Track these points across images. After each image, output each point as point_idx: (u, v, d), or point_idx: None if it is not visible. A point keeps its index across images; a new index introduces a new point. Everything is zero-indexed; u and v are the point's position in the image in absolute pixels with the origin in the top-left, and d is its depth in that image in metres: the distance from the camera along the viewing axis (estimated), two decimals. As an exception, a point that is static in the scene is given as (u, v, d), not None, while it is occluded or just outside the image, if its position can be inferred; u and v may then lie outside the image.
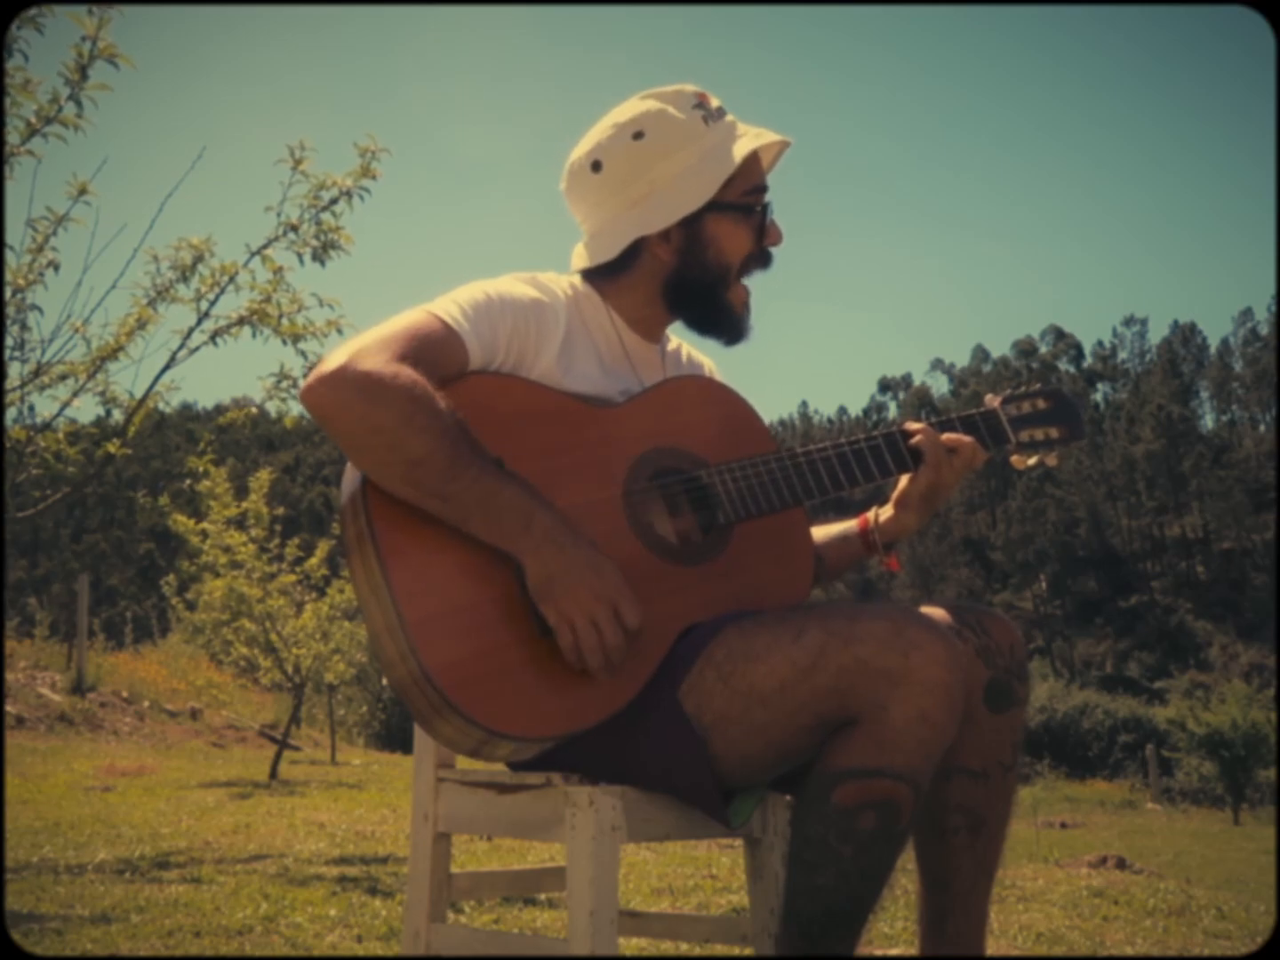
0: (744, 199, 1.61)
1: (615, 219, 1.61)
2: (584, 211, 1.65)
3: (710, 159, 1.58)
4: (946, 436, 1.65)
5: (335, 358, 1.38)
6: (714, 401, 1.65)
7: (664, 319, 1.68)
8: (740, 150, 1.58)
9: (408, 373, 1.37)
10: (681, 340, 1.80)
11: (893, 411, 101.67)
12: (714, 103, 1.63)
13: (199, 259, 4.24)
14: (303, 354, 4.39)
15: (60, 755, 8.73)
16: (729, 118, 1.63)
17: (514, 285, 1.56)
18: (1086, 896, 3.71)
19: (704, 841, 4.76)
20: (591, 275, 1.66)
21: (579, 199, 1.65)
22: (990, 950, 2.39)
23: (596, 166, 1.60)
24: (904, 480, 1.68)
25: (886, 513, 1.72)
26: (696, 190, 1.58)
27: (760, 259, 1.64)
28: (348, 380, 1.35)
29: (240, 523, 8.77)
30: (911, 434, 1.65)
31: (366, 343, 1.40)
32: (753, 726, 1.39)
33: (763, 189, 1.63)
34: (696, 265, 1.61)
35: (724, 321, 1.65)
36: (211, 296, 4.26)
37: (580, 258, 1.66)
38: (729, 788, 1.48)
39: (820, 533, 1.77)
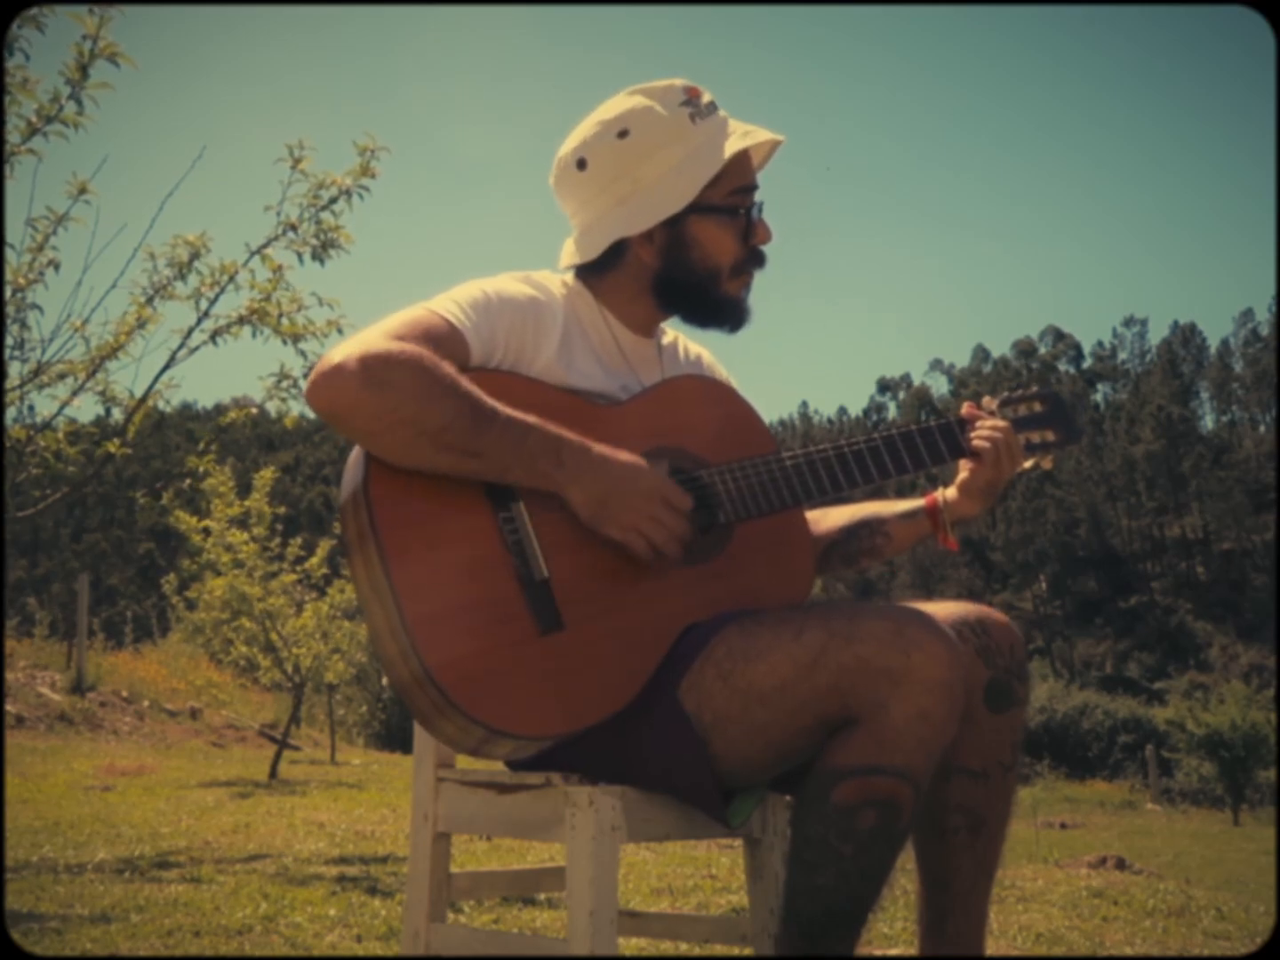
0: (729, 200, 1.59)
1: (601, 218, 1.60)
2: (572, 208, 1.65)
3: (694, 159, 1.57)
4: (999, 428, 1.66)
5: (336, 353, 1.38)
6: (715, 401, 1.65)
7: (658, 315, 1.68)
8: (725, 151, 1.57)
9: (411, 347, 1.37)
10: (678, 333, 1.80)
11: (892, 412, 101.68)
12: (705, 98, 1.61)
13: (195, 255, 4.24)
14: (303, 354, 4.39)
15: (60, 755, 8.72)
16: (720, 114, 1.61)
17: (511, 284, 1.56)
18: (1086, 897, 3.71)
19: (704, 841, 4.75)
20: (583, 273, 1.66)
21: (567, 195, 1.65)
22: (990, 950, 2.39)
23: (582, 164, 1.60)
24: (965, 471, 1.68)
25: (951, 494, 1.71)
26: (679, 191, 1.57)
27: (754, 258, 1.63)
28: (352, 371, 1.35)
29: (243, 522, 8.77)
30: (926, 435, 1.65)
31: (366, 336, 1.40)
32: (753, 726, 1.39)
33: (751, 189, 1.62)
34: (681, 267, 1.60)
35: (721, 312, 1.64)
36: (211, 296, 4.26)
37: (569, 254, 1.66)
38: (729, 787, 1.48)
39: (886, 509, 1.77)
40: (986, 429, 1.66)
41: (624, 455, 1.45)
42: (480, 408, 1.38)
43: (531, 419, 1.41)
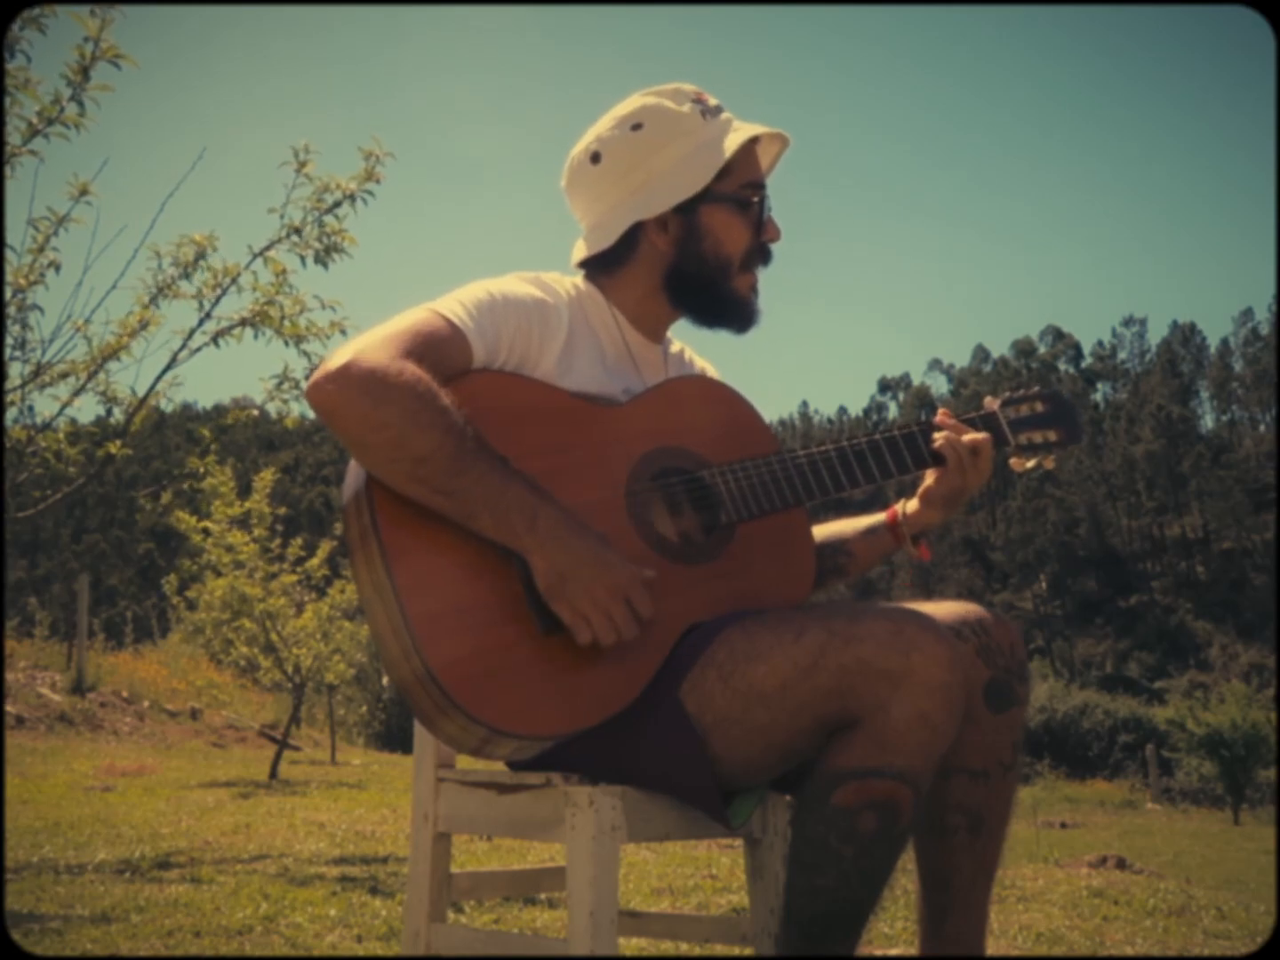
0: (740, 192, 1.62)
1: (615, 208, 1.62)
2: (584, 205, 1.66)
3: (706, 149, 1.60)
4: (969, 438, 1.63)
5: (340, 355, 1.38)
6: (716, 401, 1.65)
7: (667, 315, 1.68)
8: (737, 140, 1.59)
9: (411, 369, 1.37)
10: (685, 344, 1.80)
11: (893, 411, 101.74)
12: (711, 100, 1.64)
13: (201, 255, 4.24)
14: (305, 355, 4.39)
15: (60, 755, 8.72)
16: (725, 115, 1.65)
17: (518, 285, 1.56)
18: (1086, 896, 3.70)
19: (704, 841, 4.76)
20: (593, 272, 1.66)
21: (579, 193, 1.66)
22: (990, 950, 2.39)
23: (596, 158, 1.62)
24: (929, 478, 1.67)
25: (912, 506, 1.71)
26: (693, 177, 1.59)
27: (760, 254, 1.65)
28: (352, 378, 1.35)
29: (243, 522, 8.78)
30: (926, 434, 1.64)
31: (371, 340, 1.40)
32: (753, 727, 1.39)
33: (760, 185, 1.64)
34: (694, 257, 1.61)
35: (730, 310, 1.65)
36: (213, 297, 4.26)
37: (580, 250, 1.67)
38: (729, 788, 1.48)
39: (848, 527, 1.77)
40: (943, 436, 1.63)
41: (608, 547, 1.40)
42: (463, 449, 1.36)
43: (520, 476, 1.39)
